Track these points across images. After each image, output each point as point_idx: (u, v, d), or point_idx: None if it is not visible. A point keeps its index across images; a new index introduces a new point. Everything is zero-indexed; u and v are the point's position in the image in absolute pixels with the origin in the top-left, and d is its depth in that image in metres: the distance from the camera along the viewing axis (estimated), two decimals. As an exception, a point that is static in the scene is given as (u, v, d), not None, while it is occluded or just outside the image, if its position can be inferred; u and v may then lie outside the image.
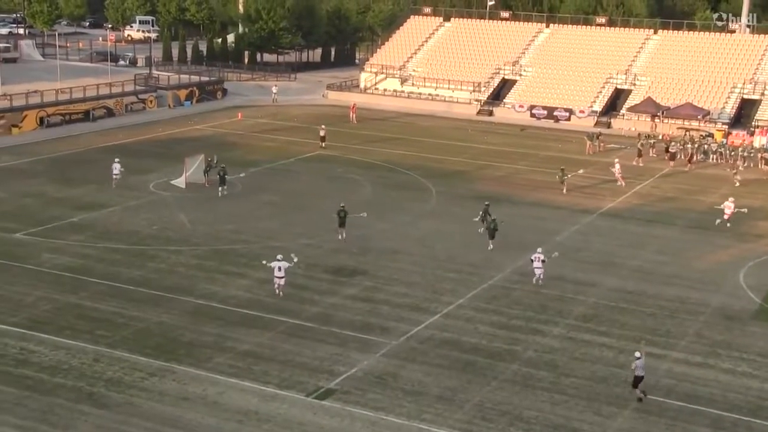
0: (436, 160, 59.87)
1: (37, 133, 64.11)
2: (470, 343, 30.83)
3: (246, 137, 65.06)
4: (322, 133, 63.10)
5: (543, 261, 36.37)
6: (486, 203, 44.45)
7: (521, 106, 78.89)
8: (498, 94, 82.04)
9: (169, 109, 76.18)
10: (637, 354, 27.29)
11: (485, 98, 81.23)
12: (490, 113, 79.44)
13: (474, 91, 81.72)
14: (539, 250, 37.03)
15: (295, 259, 34.99)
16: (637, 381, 27.14)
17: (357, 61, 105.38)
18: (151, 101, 75.64)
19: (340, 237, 41.43)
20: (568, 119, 76.56)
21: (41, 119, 65.90)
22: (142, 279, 35.62)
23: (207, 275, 36.31)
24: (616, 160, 56.66)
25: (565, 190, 50.90)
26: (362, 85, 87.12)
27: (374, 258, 39.27)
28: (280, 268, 34.18)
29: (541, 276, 36.51)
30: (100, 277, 35.53)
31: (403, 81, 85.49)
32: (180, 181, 50.00)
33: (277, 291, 34.32)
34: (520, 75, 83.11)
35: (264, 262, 35.16)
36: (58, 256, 37.85)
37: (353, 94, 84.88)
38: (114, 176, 49.89)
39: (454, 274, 37.46)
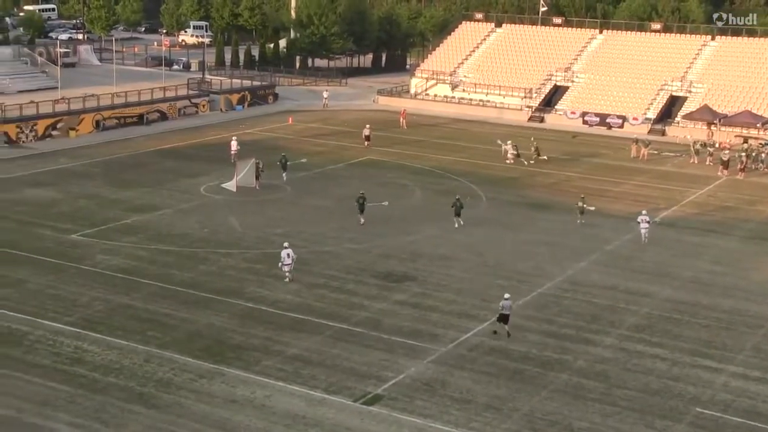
0: (486, 167, 59.52)
1: (93, 136, 65.10)
2: (520, 351, 30.55)
3: (296, 141, 65.35)
4: (366, 132, 64.32)
5: (648, 222, 40.29)
6: (582, 196, 47.14)
7: (573, 113, 78.13)
8: (549, 101, 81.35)
9: (221, 113, 76.83)
10: (506, 295, 31.39)
11: (537, 104, 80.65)
12: (542, 120, 78.83)
13: (525, 97, 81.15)
14: (644, 211, 42.91)
15: (286, 243, 36.43)
16: (502, 318, 31.06)
17: (408, 66, 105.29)
18: (203, 105, 76.40)
19: (361, 222, 43.99)
20: (621, 126, 75.58)
21: (97, 122, 66.90)
22: (192, 281, 35.92)
23: (257, 278, 36.50)
24: (509, 141, 60.78)
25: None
26: (413, 91, 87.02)
27: (424, 264, 39.16)
28: (288, 255, 35.63)
29: (646, 236, 41.47)
30: (151, 279, 35.93)
31: (454, 87, 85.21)
32: (231, 185, 50.36)
33: (290, 279, 35.87)
34: (573, 81, 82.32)
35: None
36: (112, 257, 38.36)
37: (403, 99, 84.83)
38: (232, 153, 55.90)
39: (504, 282, 37.14)
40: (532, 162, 60.06)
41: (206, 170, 54.95)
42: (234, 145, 57.32)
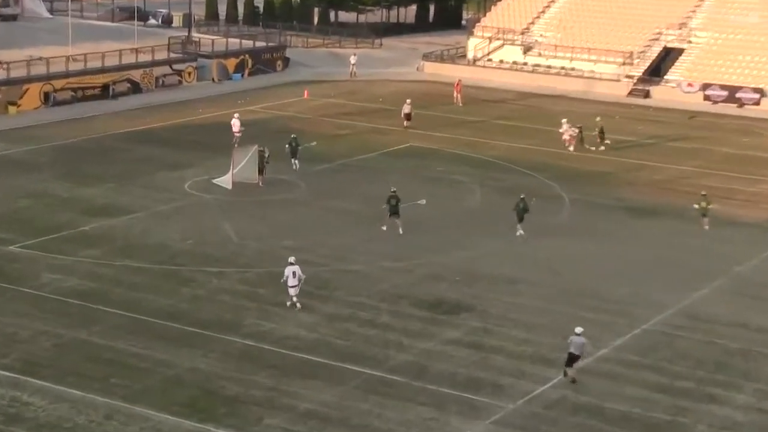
0: (569, 158, 59.25)
1: (41, 114, 65.62)
2: (617, 410, 30.22)
3: (313, 122, 65.38)
4: (406, 110, 64.85)
5: None
6: (703, 193, 47.06)
7: (690, 85, 77.50)
8: (657, 69, 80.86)
9: (213, 83, 77.26)
10: (578, 330, 31.47)
11: (640, 74, 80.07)
12: (647, 94, 78.31)
13: (624, 64, 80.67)
14: None
15: (291, 258, 36.71)
16: (570, 359, 31.41)
17: (464, 22, 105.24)
18: (189, 73, 76.83)
19: (384, 228, 44.54)
20: (758, 103, 74.92)
21: (46, 95, 67.46)
22: (172, 310, 35.92)
23: (258, 307, 36.46)
24: (565, 120, 61.32)
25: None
26: (470, 56, 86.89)
27: (484, 289, 38.95)
28: (294, 274, 35.88)
29: None
30: (117, 306, 35.93)
31: (527, 50, 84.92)
32: (225, 180, 50.45)
33: (298, 306, 36.09)
34: (689, 42, 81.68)
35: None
36: (64, 277, 38.43)
37: (458, 66, 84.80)
38: (235, 134, 57.18)
39: (594, 314, 36.80)
40: (602, 147, 60.53)
41: (192, 160, 55.15)
42: (236, 125, 58.11)
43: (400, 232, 44.34)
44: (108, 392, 29.83)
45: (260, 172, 51.04)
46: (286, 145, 53.66)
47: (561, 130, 61.06)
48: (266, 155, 51.48)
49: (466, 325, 35.66)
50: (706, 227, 46.20)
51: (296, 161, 53.59)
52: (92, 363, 31.69)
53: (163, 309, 35.92)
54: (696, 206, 46.79)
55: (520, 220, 44.78)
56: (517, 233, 44.70)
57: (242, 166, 50.70)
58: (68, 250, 41.21)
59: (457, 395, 30.59)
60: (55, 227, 44.02)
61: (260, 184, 50.92)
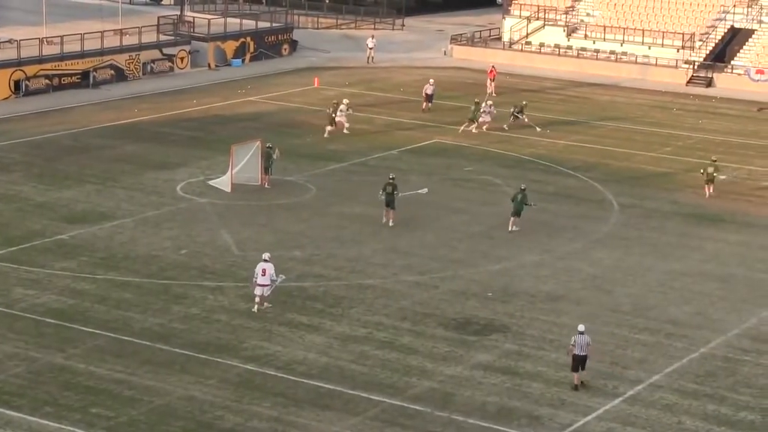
0: (619, 156, 59.39)
1: (11, 105, 65.80)
2: (671, 445, 30.37)
3: (325, 116, 65.37)
4: (428, 90, 66.26)
5: None
6: (713, 159, 50.26)
7: (760, 73, 77.37)
8: (722, 53, 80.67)
9: (209, 70, 77.56)
10: (581, 328, 32.58)
11: (701, 59, 79.99)
12: (709, 83, 78.20)
13: (683, 47, 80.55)
14: None
15: (282, 277, 37.46)
16: (576, 362, 32.50)
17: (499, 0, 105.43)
18: (182, 59, 77.05)
19: (384, 220, 46.57)
20: (839, 94, 74.87)
21: (17, 83, 67.69)
22: (162, 330, 36.13)
23: (261, 327, 36.62)
24: (490, 101, 63.72)
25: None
26: (506, 38, 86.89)
27: (520, 306, 39.11)
28: (264, 272, 36.70)
29: None
30: (99, 326, 36.12)
31: (571, 32, 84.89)
32: (223, 182, 50.69)
33: (255, 308, 37.21)
34: (760, 22, 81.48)
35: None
36: (39, 293, 38.65)
37: (492, 50, 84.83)
38: (339, 113, 60.80)
39: (646, 336, 36.98)
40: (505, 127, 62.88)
41: (185, 158, 55.47)
42: (341, 112, 61.06)
43: (390, 224, 46.10)
44: (88, 424, 29.97)
45: (266, 171, 51.30)
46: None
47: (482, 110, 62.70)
48: (275, 154, 51.44)
49: (499, 348, 35.79)
50: (707, 195, 50.46)
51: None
52: (70, 391, 31.83)
53: (151, 329, 36.14)
54: (702, 172, 50.30)
55: (516, 214, 45.92)
56: (509, 229, 46.13)
57: (243, 165, 50.83)
58: (43, 262, 41.49)
59: (488, 427, 30.70)
60: (28, 235, 44.30)
61: (266, 185, 51.17)
